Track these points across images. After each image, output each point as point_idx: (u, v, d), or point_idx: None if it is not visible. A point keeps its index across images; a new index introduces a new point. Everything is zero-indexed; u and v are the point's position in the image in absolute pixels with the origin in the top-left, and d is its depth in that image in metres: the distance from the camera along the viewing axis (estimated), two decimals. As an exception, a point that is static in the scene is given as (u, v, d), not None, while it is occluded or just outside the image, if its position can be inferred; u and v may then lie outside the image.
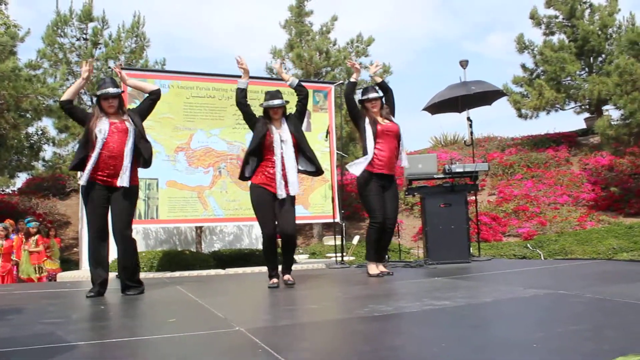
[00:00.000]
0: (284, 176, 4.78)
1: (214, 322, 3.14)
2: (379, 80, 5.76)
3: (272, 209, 4.82)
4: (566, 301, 3.36)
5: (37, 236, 10.25)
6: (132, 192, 4.60)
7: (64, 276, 9.02)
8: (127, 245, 4.61)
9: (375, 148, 5.45)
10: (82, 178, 4.46)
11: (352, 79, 5.75)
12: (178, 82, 8.10)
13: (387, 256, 6.83)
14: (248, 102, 5.00)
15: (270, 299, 4.30)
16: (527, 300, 3.56)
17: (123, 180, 4.47)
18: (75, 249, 14.06)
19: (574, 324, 2.68)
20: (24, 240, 10.15)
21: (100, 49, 15.10)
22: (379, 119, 5.58)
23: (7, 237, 9.84)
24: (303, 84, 5.28)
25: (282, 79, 5.33)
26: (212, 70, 8.66)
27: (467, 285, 4.53)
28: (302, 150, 4.96)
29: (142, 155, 4.63)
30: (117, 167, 4.48)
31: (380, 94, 5.66)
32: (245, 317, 3.40)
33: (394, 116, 5.70)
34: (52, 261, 10.65)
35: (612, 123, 14.63)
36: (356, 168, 5.48)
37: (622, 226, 12.90)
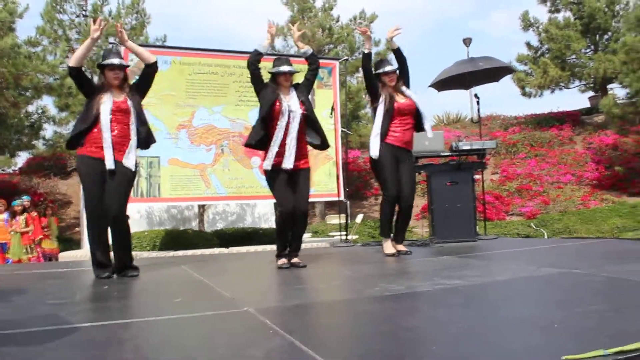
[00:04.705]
0: (289, 147, 4.62)
1: (221, 302, 3.06)
2: (395, 46, 5.44)
3: (289, 185, 4.65)
4: (582, 280, 3.27)
5: (25, 215, 9.97)
6: (131, 172, 4.45)
7: (65, 256, 8.96)
8: (123, 223, 4.46)
9: (390, 126, 5.27)
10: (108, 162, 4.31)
11: (365, 51, 5.46)
12: (180, 58, 7.95)
13: None
14: (260, 67, 4.78)
15: (277, 278, 4.22)
16: (542, 279, 3.47)
17: (129, 161, 4.33)
18: (76, 228, 14.01)
19: (594, 304, 2.59)
20: (10, 220, 9.86)
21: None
22: (396, 95, 5.35)
23: None
24: (309, 48, 5.02)
25: (293, 56, 5.11)
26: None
27: (477, 264, 4.44)
28: (312, 120, 4.78)
29: (140, 137, 4.46)
30: (123, 146, 4.35)
31: (396, 66, 5.43)
32: (253, 297, 3.31)
33: (408, 87, 5.45)
34: (50, 241, 10.53)
35: (618, 102, 14.49)
36: (373, 149, 5.30)
37: (626, 205, 12.85)
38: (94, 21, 4.46)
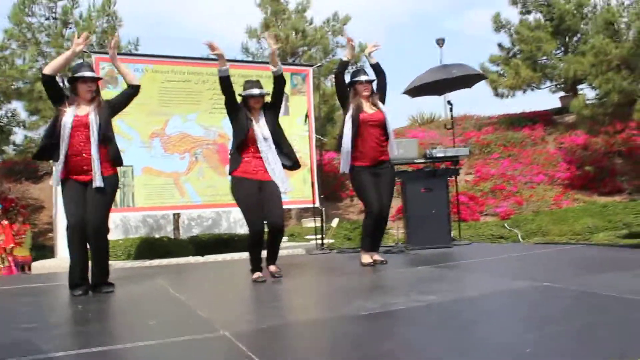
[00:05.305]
0: (272, 172, 4.69)
1: (197, 325, 3.03)
2: (373, 61, 5.47)
3: (258, 201, 4.64)
4: (553, 295, 3.33)
5: None
6: (108, 184, 4.39)
7: (39, 266, 8.80)
8: (102, 241, 4.42)
9: (357, 139, 5.26)
10: (54, 180, 4.28)
11: (344, 58, 5.49)
12: (152, 66, 7.87)
13: None
14: (234, 90, 4.76)
15: (253, 293, 4.22)
16: (513, 294, 3.52)
17: (96, 181, 4.27)
18: (50, 234, 13.78)
19: (564, 323, 2.65)
20: None
21: (70, 28, 14.67)
22: (365, 105, 5.33)
23: None
24: (281, 65, 5.00)
25: (266, 62, 5.10)
26: (189, 51, 8.46)
27: (452, 276, 4.50)
28: (279, 145, 4.82)
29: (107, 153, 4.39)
30: (85, 164, 4.31)
31: (372, 77, 5.44)
32: (229, 317, 3.29)
33: (383, 102, 5.43)
34: (22, 249, 10.33)
35: (588, 102, 14.74)
36: (344, 165, 5.36)
37: (597, 205, 13.06)
38: (78, 36, 4.43)
